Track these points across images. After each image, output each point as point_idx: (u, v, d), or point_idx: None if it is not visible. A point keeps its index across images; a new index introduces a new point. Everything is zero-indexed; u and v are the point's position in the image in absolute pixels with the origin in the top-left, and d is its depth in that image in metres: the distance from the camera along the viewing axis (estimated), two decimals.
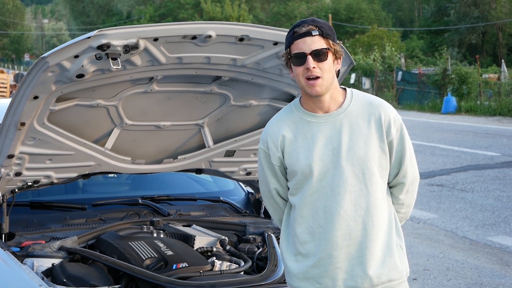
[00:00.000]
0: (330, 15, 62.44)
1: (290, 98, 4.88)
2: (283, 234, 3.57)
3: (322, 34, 3.32)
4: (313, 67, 3.29)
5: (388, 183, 3.51)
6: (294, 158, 3.42)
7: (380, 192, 3.41)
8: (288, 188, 3.55)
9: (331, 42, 3.34)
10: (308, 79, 3.31)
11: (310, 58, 3.29)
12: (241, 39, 4.15)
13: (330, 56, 3.34)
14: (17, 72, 40.93)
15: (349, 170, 3.36)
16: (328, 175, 3.37)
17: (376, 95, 38.45)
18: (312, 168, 3.38)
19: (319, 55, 3.30)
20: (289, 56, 3.37)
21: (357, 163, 3.36)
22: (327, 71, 3.33)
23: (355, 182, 3.37)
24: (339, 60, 3.41)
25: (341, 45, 3.49)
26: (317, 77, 3.31)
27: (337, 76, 3.46)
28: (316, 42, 3.30)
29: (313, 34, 3.30)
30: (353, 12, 72.81)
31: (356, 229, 3.36)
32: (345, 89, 3.50)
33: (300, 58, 3.31)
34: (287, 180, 3.54)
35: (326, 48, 3.31)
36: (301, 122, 3.45)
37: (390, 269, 3.41)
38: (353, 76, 42.20)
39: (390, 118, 3.41)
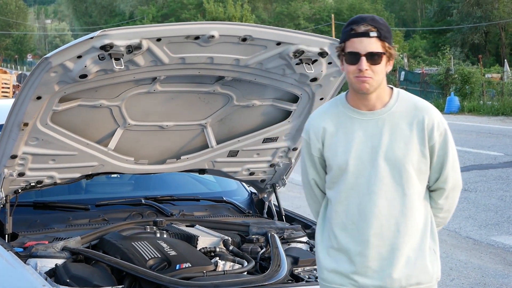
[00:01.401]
0: (332, 15, 62.45)
1: (293, 98, 4.88)
2: (319, 227, 3.59)
3: (380, 37, 3.28)
4: (366, 69, 3.27)
5: (428, 187, 3.49)
6: (333, 151, 3.43)
7: (417, 195, 3.40)
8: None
9: (387, 45, 3.30)
10: (358, 77, 3.29)
11: (364, 59, 3.26)
12: (244, 39, 4.15)
13: (384, 58, 3.31)
14: (20, 72, 40.95)
15: (386, 170, 3.36)
16: (364, 172, 3.38)
17: None
18: (348, 164, 3.38)
19: (373, 58, 3.27)
20: (343, 52, 3.35)
21: (395, 164, 3.35)
22: (379, 74, 3.31)
23: (391, 182, 3.36)
24: (391, 61, 3.37)
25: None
26: (368, 78, 3.30)
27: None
28: (372, 44, 3.26)
29: (370, 35, 3.26)
30: (356, 12, 72.58)
31: (388, 230, 3.36)
32: (392, 88, 3.48)
33: (354, 58, 3.28)
34: (326, 173, 3.55)
35: (381, 52, 3.28)
36: (344, 117, 3.44)
37: (420, 271, 3.40)
38: None
39: (434, 122, 3.38)
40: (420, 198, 3.42)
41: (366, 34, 3.26)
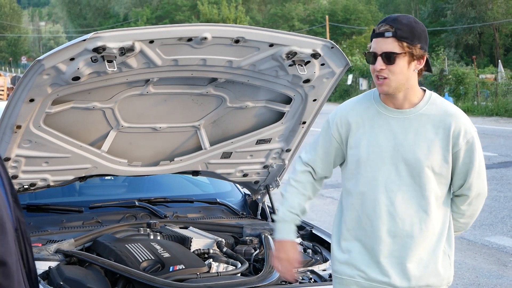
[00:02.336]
0: (327, 17, 62.47)
1: (286, 99, 4.88)
2: (336, 219, 3.62)
3: (396, 36, 3.28)
4: (381, 69, 3.30)
5: (453, 192, 3.49)
6: (356, 142, 3.46)
7: (435, 198, 3.39)
8: (336, 175, 3.63)
9: (405, 44, 3.29)
10: (377, 77, 3.34)
11: (379, 59, 3.30)
12: (237, 41, 4.15)
13: (402, 58, 3.30)
14: (14, 75, 40.95)
15: (406, 169, 3.37)
16: (384, 169, 3.39)
17: None
18: (369, 157, 3.41)
19: (388, 58, 3.29)
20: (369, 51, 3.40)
21: (415, 165, 3.36)
22: (397, 73, 3.31)
23: (410, 182, 3.37)
24: (420, 61, 3.36)
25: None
26: (385, 78, 3.32)
27: (420, 75, 3.43)
28: (388, 44, 3.29)
29: (385, 35, 3.29)
30: (350, 13, 72.77)
31: (402, 229, 3.37)
32: (425, 90, 3.48)
33: (372, 58, 3.34)
34: (340, 163, 3.61)
35: (396, 52, 3.28)
36: (373, 111, 3.47)
37: (431, 274, 3.41)
38: (350, 77, 42.22)
39: (461, 129, 3.37)
40: (439, 203, 3.42)
41: (381, 35, 3.31)
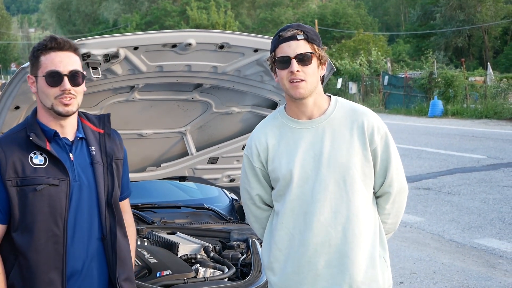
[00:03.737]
0: (316, 21, 62.55)
1: (271, 104, 4.89)
2: (265, 242, 3.55)
3: (307, 39, 3.31)
4: (297, 71, 3.28)
5: (374, 193, 3.48)
6: (277, 163, 3.42)
7: (362, 200, 3.38)
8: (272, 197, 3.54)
9: (316, 47, 3.34)
10: (292, 82, 3.31)
11: (294, 61, 3.29)
12: (221, 47, 4.16)
13: (315, 60, 3.33)
14: (3, 82, 40.80)
15: (330, 177, 3.34)
16: (309, 181, 3.36)
17: (363, 99, 38.58)
18: (292, 174, 3.36)
19: (303, 59, 3.30)
20: (273, 60, 3.37)
21: (338, 170, 3.34)
22: (311, 75, 3.32)
23: (336, 189, 3.34)
24: (323, 66, 3.40)
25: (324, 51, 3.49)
26: (301, 80, 3.30)
27: (322, 82, 3.46)
28: (300, 46, 3.30)
29: (298, 38, 3.30)
30: (339, 17, 72.91)
31: (336, 237, 3.34)
32: (330, 96, 3.49)
33: (285, 62, 3.31)
34: (271, 188, 3.53)
35: (310, 53, 3.31)
36: (285, 128, 3.45)
37: (371, 280, 3.38)
38: (339, 81, 42.25)
39: (374, 126, 3.39)
40: (367, 204, 3.40)
41: (293, 38, 3.31)
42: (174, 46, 4.05)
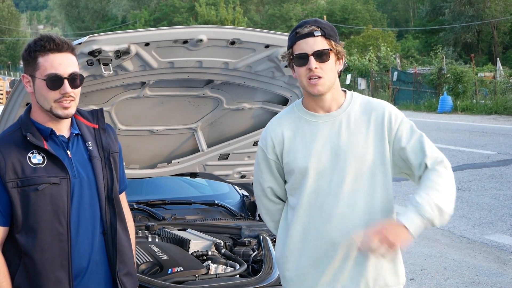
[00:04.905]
0: (325, 16, 62.44)
1: (282, 100, 4.88)
2: (280, 237, 3.52)
3: (325, 35, 3.30)
4: (315, 68, 3.27)
5: (419, 176, 3.34)
6: (292, 156, 3.40)
7: (380, 193, 3.35)
8: (286, 190, 3.52)
9: (333, 42, 3.32)
10: (310, 78, 3.29)
11: (312, 58, 3.27)
12: (233, 43, 4.15)
13: (332, 56, 3.32)
14: (13, 78, 40.95)
15: (347, 170, 3.32)
16: (325, 174, 3.34)
17: (372, 95, 38.51)
18: (309, 167, 3.34)
19: (321, 56, 3.28)
20: (291, 57, 3.35)
21: (355, 163, 3.32)
22: (329, 71, 3.31)
23: (353, 182, 3.32)
24: (341, 61, 3.38)
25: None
26: (319, 77, 3.29)
27: (339, 77, 3.43)
28: (318, 43, 3.28)
29: (315, 34, 3.28)
30: (348, 13, 72.86)
31: (353, 230, 3.30)
32: (345, 91, 3.48)
33: (302, 59, 3.29)
34: (284, 181, 3.51)
35: (328, 49, 3.29)
36: (301, 121, 3.43)
37: (388, 272, 3.37)
38: (348, 77, 42.22)
39: (391, 114, 3.37)
40: (386, 197, 3.36)
41: (310, 34, 3.29)
42: (185, 42, 4.04)
